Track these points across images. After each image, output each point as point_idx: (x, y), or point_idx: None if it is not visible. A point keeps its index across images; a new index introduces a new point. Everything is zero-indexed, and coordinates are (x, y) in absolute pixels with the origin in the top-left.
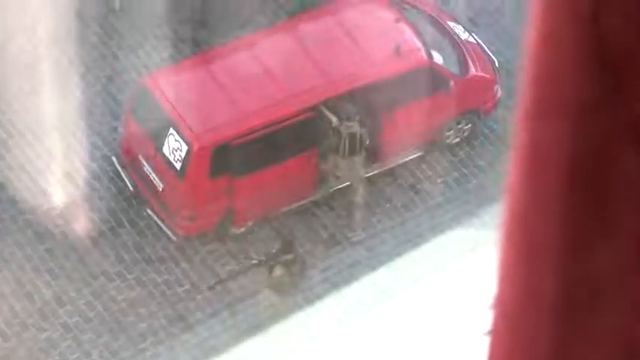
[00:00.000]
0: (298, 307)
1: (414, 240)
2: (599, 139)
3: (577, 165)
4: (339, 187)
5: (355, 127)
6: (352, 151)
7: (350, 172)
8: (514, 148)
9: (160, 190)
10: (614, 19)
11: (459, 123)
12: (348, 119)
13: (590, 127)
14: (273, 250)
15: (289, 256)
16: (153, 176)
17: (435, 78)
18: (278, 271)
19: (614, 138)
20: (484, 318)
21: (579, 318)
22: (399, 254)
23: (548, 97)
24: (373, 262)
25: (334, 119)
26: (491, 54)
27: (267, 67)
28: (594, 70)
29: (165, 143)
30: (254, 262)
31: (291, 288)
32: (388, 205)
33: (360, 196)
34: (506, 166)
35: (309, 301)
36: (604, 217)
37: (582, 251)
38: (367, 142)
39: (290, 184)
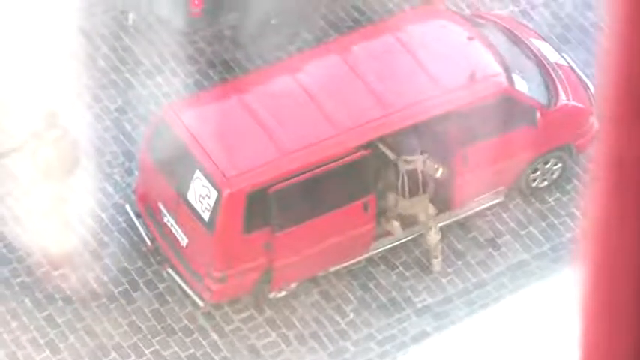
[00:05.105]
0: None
1: (492, 305)
2: None
3: None
4: (402, 240)
5: (419, 163)
6: (420, 191)
7: (420, 214)
8: (595, 171)
9: (184, 245)
10: None
11: (546, 163)
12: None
13: None
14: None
15: (57, 132)
16: (175, 229)
17: (517, 108)
18: (47, 152)
19: None
20: None
21: None
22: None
23: (631, 106)
24: (443, 332)
25: (394, 158)
26: (586, 78)
27: (313, 96)
28: None
29: (191, 189)
30: (22, 141)
31: (65, 170)
32: (461, 262)
33: (433, 241)
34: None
35: None
36: None
37: None
38: (440, 174)
39: (341, 239)
